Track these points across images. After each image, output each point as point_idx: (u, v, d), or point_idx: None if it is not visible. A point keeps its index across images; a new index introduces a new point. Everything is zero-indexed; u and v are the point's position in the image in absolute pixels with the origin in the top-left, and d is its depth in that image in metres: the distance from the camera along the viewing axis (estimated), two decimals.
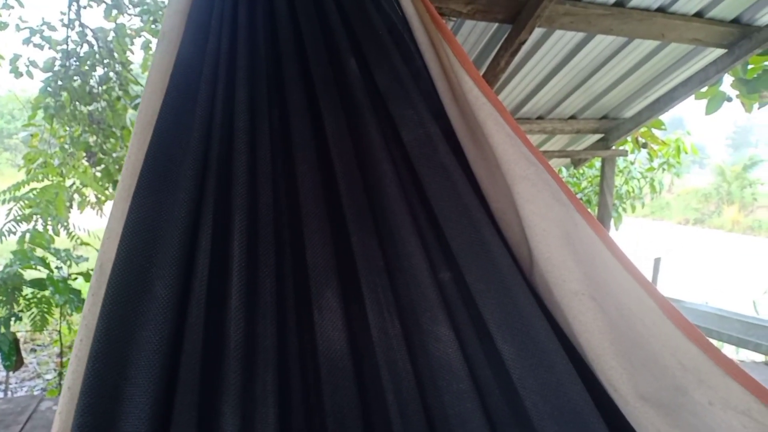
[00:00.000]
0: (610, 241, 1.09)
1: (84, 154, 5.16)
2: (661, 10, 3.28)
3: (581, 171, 7.00)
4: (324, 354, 1.08)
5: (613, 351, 1.01)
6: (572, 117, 4.59)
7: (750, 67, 4.34)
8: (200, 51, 1.17)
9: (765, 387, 1.00)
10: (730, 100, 4.56)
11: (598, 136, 4.96)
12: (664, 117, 5.06)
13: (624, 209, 7.37)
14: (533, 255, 1.08)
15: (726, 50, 3.71)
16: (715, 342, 4.78)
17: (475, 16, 3.00)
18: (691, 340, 1.02)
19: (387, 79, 1.22)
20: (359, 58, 1.24)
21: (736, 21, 3.52)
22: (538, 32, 3.25)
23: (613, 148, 5.00)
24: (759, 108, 4.61)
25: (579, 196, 7.24)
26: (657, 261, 6.08)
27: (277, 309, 1.08)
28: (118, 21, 5.36)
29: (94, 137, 5.13)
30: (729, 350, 4.18)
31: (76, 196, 5.11)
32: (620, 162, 7.08)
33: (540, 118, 4.50)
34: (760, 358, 3.30)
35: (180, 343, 1.03)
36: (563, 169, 7.02)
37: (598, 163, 6.33)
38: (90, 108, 5.07)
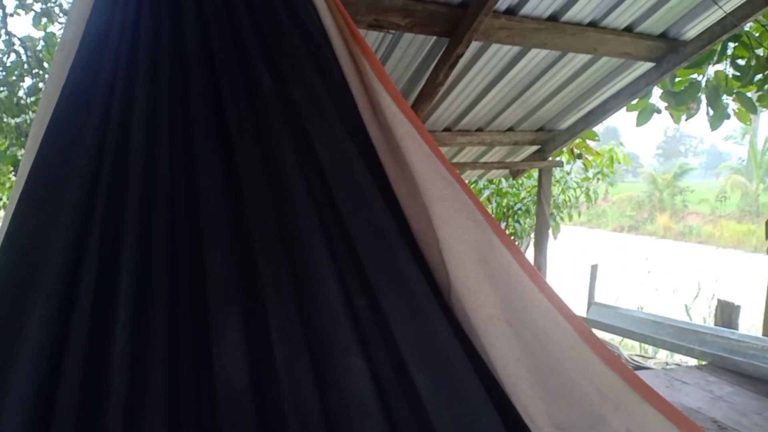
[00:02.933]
0: (526, 263, 1.08)
1: (11, 169, 4.89)
2: (592, 24, 3.37)
3: (520, 181, 7.14)
4: (223, 394, 0.99)
5: (530, 379, 0.99)
6: (510, 129, 4.67)
7: (677, 79, 4.53)
8: (96, 62, 1.09)
9: (682, 413, 1.00)
10: (659, 111, 4.74)
11: (535, 148, 5.06)
12: (599, 127, 5.23)
13: (561, 218, 7.56)
14: (450, 278, 1.05)
15: (654, 64, 3.85)
16: (650, 347, 4.93)
17: (413, 29, 3.01)
18: (608, 365, 1.01)
19: (302, 93, 1.15)
20: (274, 71, 1.17)
21: (663, 36, 3.66)
22: (475, 46, 3.28)
23: (550, 159, 5.12)
24: (687, 119, 4.81)
25: (518, 206, 7.37)
26: (594, 268, 6.23)
27: (171, 349, 1.00)
28: (48, 30, 5.13)
29: (23, 151, 4.87)
30: (663, 355, 4.32)
31: (2, 212, 4.84)
32: (557, 172, 7.25)
33: (479, 130, 4.55)
34: (693, 361, 3.42)
35: (55, 388, 0.93)
36: (503, 180, 7.14)
37: (536, 173, 6.48)
38: (18, 120, 4.82)
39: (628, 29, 3.50)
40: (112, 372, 0.94)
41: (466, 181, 7.26)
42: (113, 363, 0.95)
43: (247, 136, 1.12)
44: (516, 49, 3.46)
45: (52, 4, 5.11)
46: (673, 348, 3.19)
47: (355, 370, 1.01)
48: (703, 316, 7.69)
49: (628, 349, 5.38)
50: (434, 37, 3.14)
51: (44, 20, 5.13)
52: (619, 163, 7.49)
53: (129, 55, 1.10)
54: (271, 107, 1.14)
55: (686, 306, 7.97)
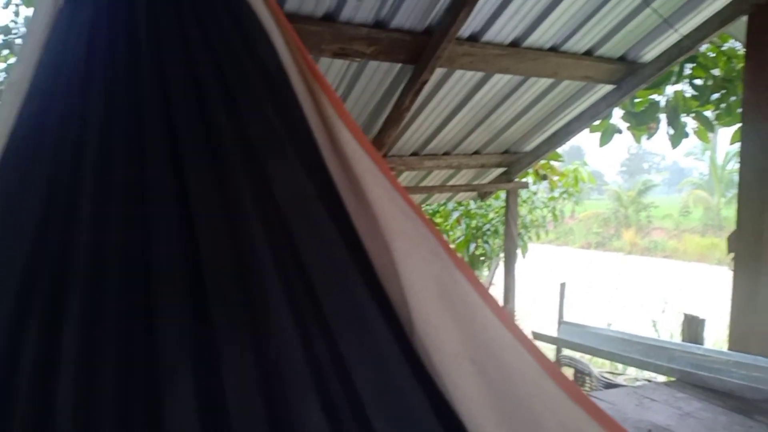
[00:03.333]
0: (489, 296, 1.05)
1: None
2: (553, 49, 3.45)
3: (488, 203, 7.21)
4: None
5: (493, 419, 0.96)
6: (476, 152, 4.73)
7: (637, 100, 4.66)
8: (46, 103, 1.06)
9: None
10: (620, 132, 4.86)
11: (501, 170, 5.13)
12: (564, 147, 5.32)
13: (530, 237, 7.65)
14: (412, 316, 1.03)
15: (615, 86, 3.95)
16: (618, 365, 4.97)
17: (378, 56, 3.04)
18: (572, 399, 1.00)
19: (260, 130, 1.13)
20: (231, 107, 1.14)
21: (622, 59, 3.76)
22: (440, 72, 3.33)
23: (516, 180, 5.19)
24: (647, 139, 4.94)
25: (487, 226, 7.44)
26: (563, 286, 6.30)
27: (120, 406, 0.95)
28: (9, 62, 5.04)
29: None
30: (633, 371, 4.37)
31: None
32: (524, 193, 7.36)
33: (446, 153, 4.60)
34: (662, 377, 3.46)
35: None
36: (471, 202, 7.21)
37: (503, 194, 6.55)
38: None
39: (588, 53, 3.59)
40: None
41: (434, 204, 7.32)
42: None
43: (203, 178, 1.09)
44: (480, 74, 3.52)
45: (13, 36, 5.02)
46: (642, 365, 3.22)
47: (315, 421, 0.97)
48: (670, 331, 7.82)
49: (599, 366, 5.43)
50: (399, 65, 3.18)
51: (5, 51, 5.05)
52: (584, 182, 7.64)
53: (80, 97, 1.07)
54: (228, 147, 1.11)
55: (653, 321, 8.09)
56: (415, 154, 4.44)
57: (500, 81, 3.66)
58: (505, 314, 1.04)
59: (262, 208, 1.09)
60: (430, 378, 1.02)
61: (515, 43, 3.30)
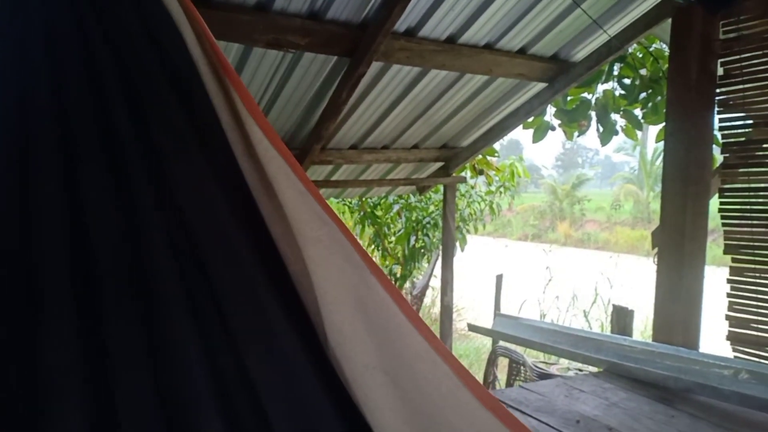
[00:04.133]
0: (404, 303, 1.02)
1: None
2: (488, 46, 3.49)
3: (428, 196, 7.27)
4: None
5: None
6: (415, 146, 4.75)
7: (569, 98, 4.78)
8: None
9: None
10: (553, 129, 4.98)
11: (439, 164, 5.17)
12: (503, 140, 5.42)
13: (468, 230, 7.76)
14: (325, 326, 0.99)
15: (547, 84, 4.04)
16: (551, 356, 5.11)
17: (313, 48, 2.99)
18: (487, 409, 0.98)
19: (165, 135, 1.05)
20: (134, 105, 1.05)
21: (554, 57, 3.85)
22: (377, 66, 3.31)
23: (454, 174, 5.24)
24: (579, 136, 5.08)
25: (427, 219, 7.50)
26: (499, 278, 6.41)
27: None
28: None
29: None
30: (565, 360, 4.50)
31: None
32: (462, 187, 7.45)
33: (385, 147, 4.60)
34: (591, 368, 3.57)
35: None
36: (411, 195, 7.25)
37: (443, 188, 6.61)
38: None
39: (522, 51, 3.65)
40: None
41: (375, 197, 7.32)
42: None
43: (99, 186, 1.00)
44: (417, 69, 3.52)
45: None
46: (572, 356, 3.31)
47: None
48: (600, 321, 8.11)
49: (533, 356, 5.56)
50: (335, 57, 3.14)
51: None
52: (520, 176, 7.80)
53: None
54: (129, 152, 1.02)
55: (585, 311, 8.37)
56: (353, 147, 4.42)
57: (437, 77, 3.67)
58: (421, 322, 1.02)
59: (164, 214, 1.02)
60: (343, 390, 0.99)
61: (451, 40, 3.32)
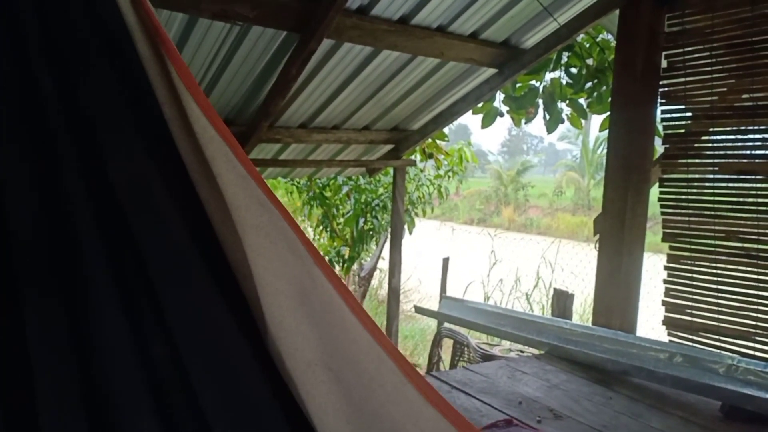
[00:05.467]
0: (350, 296, 0.97)
1: None
2: (440, 29, 3.47)
3: (378, 178, 7.25)
4: None
5: (349, 431, 0.90)
6: (366, 128, 4.70)
7: (518, 85, 4.83)
8: None
9: None
10: (502, 115, 5.02)
11: (389, 147, 5.15)
12: (452, 125, 5.44)
13: (416, 213, 7.80)
14: (266, 319, 0.92)
15: (497, 70, 4.06)
16: (494, 338, 5.22)
17: (262, 21, 2.90)
18: (431, 405, 0.95)
19: (94, 101, 0.96)
20: (58, 73, 0.95)
21: (505, 43, 3.86)
22: (327, 43, 3.24)
23: (403, 157, 5.23)
24: (526, 123, 5.14)
25: (376, 202, 7.48)
26: (445, 261, 6.48)
27: None
28: None
29: None
30: (506, 343, 4.59)
31: None
32: (412, 170, 7.46)
33: (335, 127, 4.53)
34: (533, 350, 3.66)
35: None
36: (361, 177, 7.21)
37: (392, 170, 6.60)
38: None
39: (473, 36, 3.65)
40: None
41: (324, 178, 7.25)
42: None
43: (14, 154, 0.90)
44: (368, 49, 3.47)
45: None
46: (515, 339, 3.38)
47: None
48: (541, 304, 8.33)
49: (477, 337, 5.66)
50: (285, 32, 3.06)
51: None
52: (467, 161, 7.87)
53: None
54: (52, 116, 0.92)
55: (527, 294, 8.57)
56: (303, 126, 4.34)
57: (389, 57, 3.63)
58: (366, 316, 0.96)
59: (91, 188, 0.93)
60: (285, 388, 0.94)
61: (403, 21, 3.28)
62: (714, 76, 2.87)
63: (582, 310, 7.63)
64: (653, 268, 3.73)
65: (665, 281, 3.09)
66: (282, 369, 0.91)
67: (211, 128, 0.92)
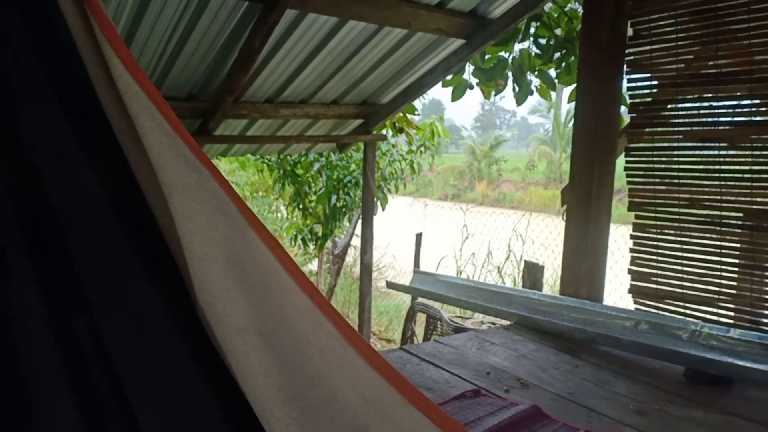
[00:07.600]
0: (288, 259, 0.92)
1: None
2: None
3: (349, 155, 7.18)
4: None
5: (281, 398, 0.85)
6: (334, 102, 4.63)
7: (487, 57, 4.79)
8: None
9: (450, 416, 0.96)
10: (472, 87, 4.98)
11: (359, 121, 5.09)
12: (425, 100, 5.40)
13: (389, 189, 7.76)
14: (194, 285, 0.86)
15: (465, 41, 4.02)
16: (467, 311, 5.26)
17: None
18: (374, 369, 0.92)
19: (8, 64, 0.88)
20: None
21: (472, 13, 3.82)
22: (291, 13, 3.16)
23: (374, 132, 5.18)
24: (495, 95, 5.11)
25: (348, 178, 7.43)
26: (419, 236, 6.48)
27: None
28: None
29: None
30: (478, 316, 4.63)
31: None
32: (383, 145, 7.40)
33: (303, 102, 4.46)
34: (504, 321, 3.68)
35: None
36: (332, 154, 7.14)
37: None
38: None
39: (440, 6, 3.59)
40: None
41: (295, 155, 7.16)
42: None
43: None
44: (334, 20, 3.40)
45: None
46: (485, 311, 3.40)
47: (59, 419, 0.80)
48: (513, 277, 8.42)
49: (449, 311, 5.70)
50: (247, 2, 2.97)
51: None
52: (440, 136, 7.84)
53: None
54: None
55: (499, 267, 8.65)
56: (269, 101, 4.26)
57: (355, 28, 3.57)
58: (305, 279, 0.92)
59: (7, 157, 0.87)
60: (215, 357, 0.88)
61: None
62: (679, 43, 2.87)
63: (552, 281, 7.72)
64: (621, 238, 3.76)
65: (631, 250, 3.12)
66: (212, 337, 0.87)
67: (136, 84, 0.86)
